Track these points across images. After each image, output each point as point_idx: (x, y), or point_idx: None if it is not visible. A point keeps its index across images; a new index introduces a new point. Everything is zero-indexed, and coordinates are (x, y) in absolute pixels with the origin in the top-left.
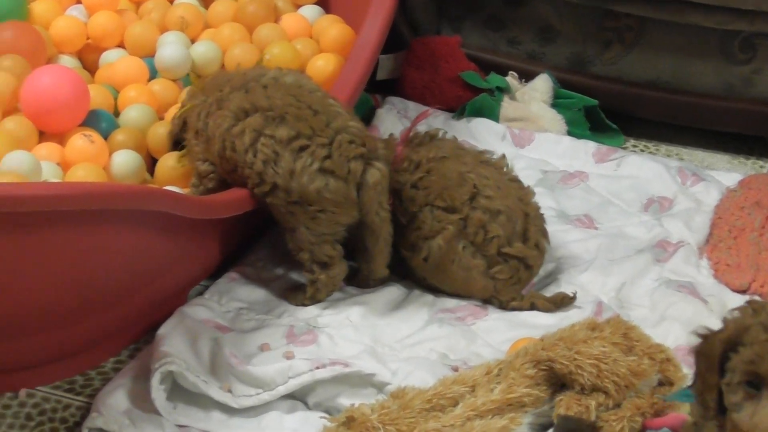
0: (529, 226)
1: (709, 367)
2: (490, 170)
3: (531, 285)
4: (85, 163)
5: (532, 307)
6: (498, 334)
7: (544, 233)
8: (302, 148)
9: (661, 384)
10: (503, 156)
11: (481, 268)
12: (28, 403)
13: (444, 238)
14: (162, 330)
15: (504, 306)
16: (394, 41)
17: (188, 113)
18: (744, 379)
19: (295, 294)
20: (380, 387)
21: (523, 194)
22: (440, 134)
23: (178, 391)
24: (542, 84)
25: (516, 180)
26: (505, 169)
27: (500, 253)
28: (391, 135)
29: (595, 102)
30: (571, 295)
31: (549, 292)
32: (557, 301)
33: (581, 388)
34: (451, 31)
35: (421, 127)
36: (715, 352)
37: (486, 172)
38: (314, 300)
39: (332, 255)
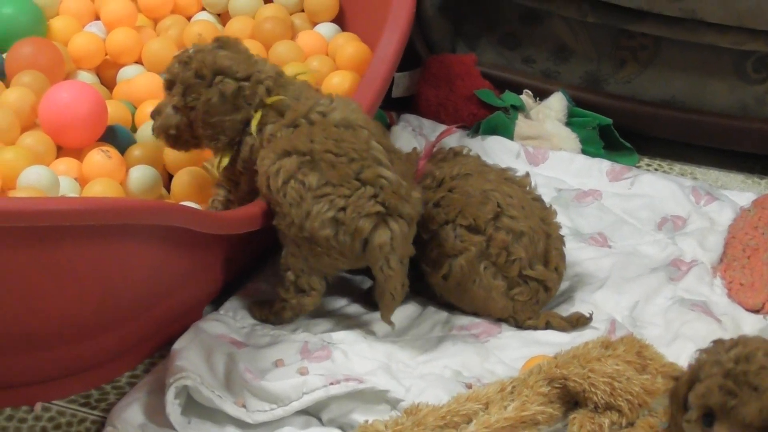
0: (550, 248)
1: (677, 408)
2: (514, 188)
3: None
4: (102, 178)
5: (548, 326)
6: (512, 351)
7: (563, 256)
8: (324, 195)
9: None
10: (527, 174)
11: (502, 289)
12: (44, 417)
13: (466, 258)
14: (177, 345)
15: (520, 324)
16: (409, 59)
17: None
18: (700, 413)
19: (261, 308)
20: (394, 403)
21: (545, 214)
22: (465, 151)
23: (193, 406)
24: (557, 102)
25: (539, 199)
26: (528, 188)
27: (521, 275)
28: (414, 149)
29: (610, 121)
30: (587, 315)
31: (563, 310)
32: (573, 321)
33: (595, 406)
34: (467, 49)
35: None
36: (680, 392)
37: (510, 191)
38: (278, 318)
39: (315, 288)
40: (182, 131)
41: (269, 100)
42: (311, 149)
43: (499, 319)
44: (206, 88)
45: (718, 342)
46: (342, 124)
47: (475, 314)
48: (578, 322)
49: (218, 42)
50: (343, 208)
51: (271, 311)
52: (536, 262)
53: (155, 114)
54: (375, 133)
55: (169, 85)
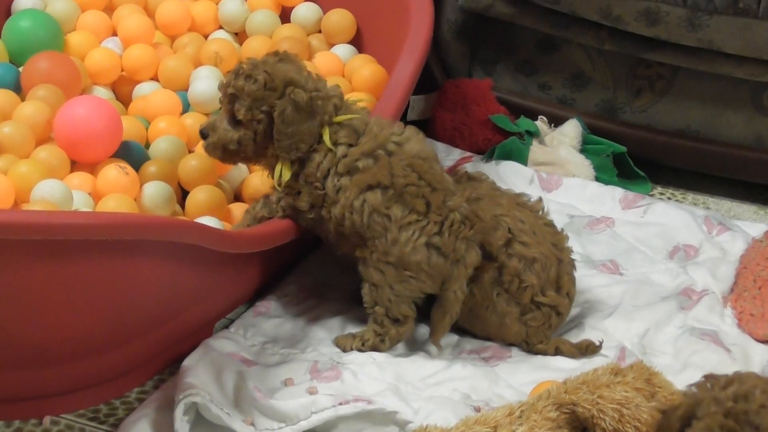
0: (562, 273)
1: None
2: (526, 213)
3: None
4: (116, 193)
5: (557, 352)
6: (521, 376)
7: (574, 281)
8: (410, 223)
9: None
10: (540, 199)
11: (515, 315)
12: (52, 431)
13: (479, 286)
14: (187, 362)
15: (531, 348)
16: (426, 82)
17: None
18: None
19: (351, 339)
20: (402, 425)
21: (557, 239)
22: (481, 177)
23: (202, 423)
24: (571, 129)
25: (551, 224)
26: (540, 213)
27: (533, 302)
28: None
29: (624, 149)
30: (597, 343)
31: (573, 336)
32: (582, 348)
33: None
34: (483, 74)
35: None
36: (674, 427)
37: (521, 216)
38: (374, 350)
39: (408, 314)
40: (244, 145)
41: (339, 119)
42: (393, 182)
43: (511, 344)
44: (278, 99)
45: (710, 377)
46: (419, 155)
47: (486, 338)
48: (588, 349)
49: (278, 56)
50: (438, 233)
51: (365, 344)
52: (548, 287)
53: (208, 130)
54: (443, 170)
55: (232, 100)
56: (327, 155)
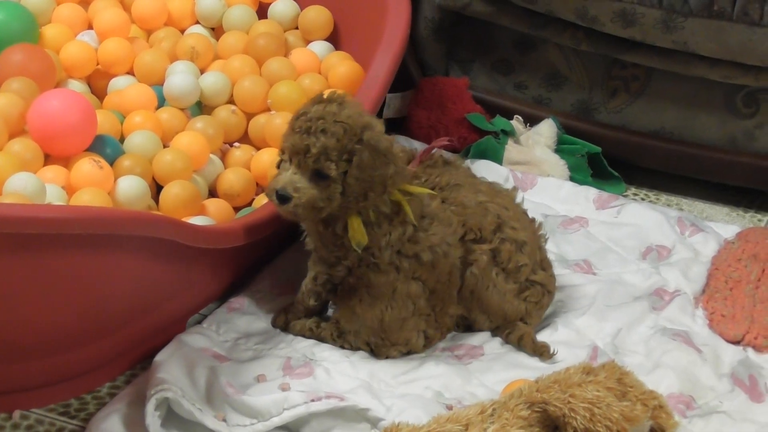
0: (543, 256)
1: None
2: (507, 200)
3: None
4: (90, 187)
5: (519, 342)
6: (493, 374)
7: (551, 264)
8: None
9: (653, 430)
10: (515, 188)
11: (515, 291)
12: (22, 425)
13: (479, 267)
14: (159, 357)
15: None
16: (402, 80)
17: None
18: None
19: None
20: (374, 422)
21: (534, 227)
22: (457, 162)
23: (173, 418)
24: (547, 129)
25: (526, 212)
26: (516, 201)
27: (528, 280)
28: (412, 149)
29: (599, 149)
30: (552, 351)
31: (546, 335)
32: (539, 348)
33: (574, 431)
34: (460, 73)
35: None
36: None
37: (504, 203)
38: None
39: None
40: (332, 200)
41: (412, 188)
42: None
43: (493, 333)
44: (356, 143)
45: None
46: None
47: (481, 323)
48: (542, 350)
49: (331, 101)
50: None
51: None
52: (537, 268)
53: (290, 192)
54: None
55: (317, 159)
56: (393, 232)
